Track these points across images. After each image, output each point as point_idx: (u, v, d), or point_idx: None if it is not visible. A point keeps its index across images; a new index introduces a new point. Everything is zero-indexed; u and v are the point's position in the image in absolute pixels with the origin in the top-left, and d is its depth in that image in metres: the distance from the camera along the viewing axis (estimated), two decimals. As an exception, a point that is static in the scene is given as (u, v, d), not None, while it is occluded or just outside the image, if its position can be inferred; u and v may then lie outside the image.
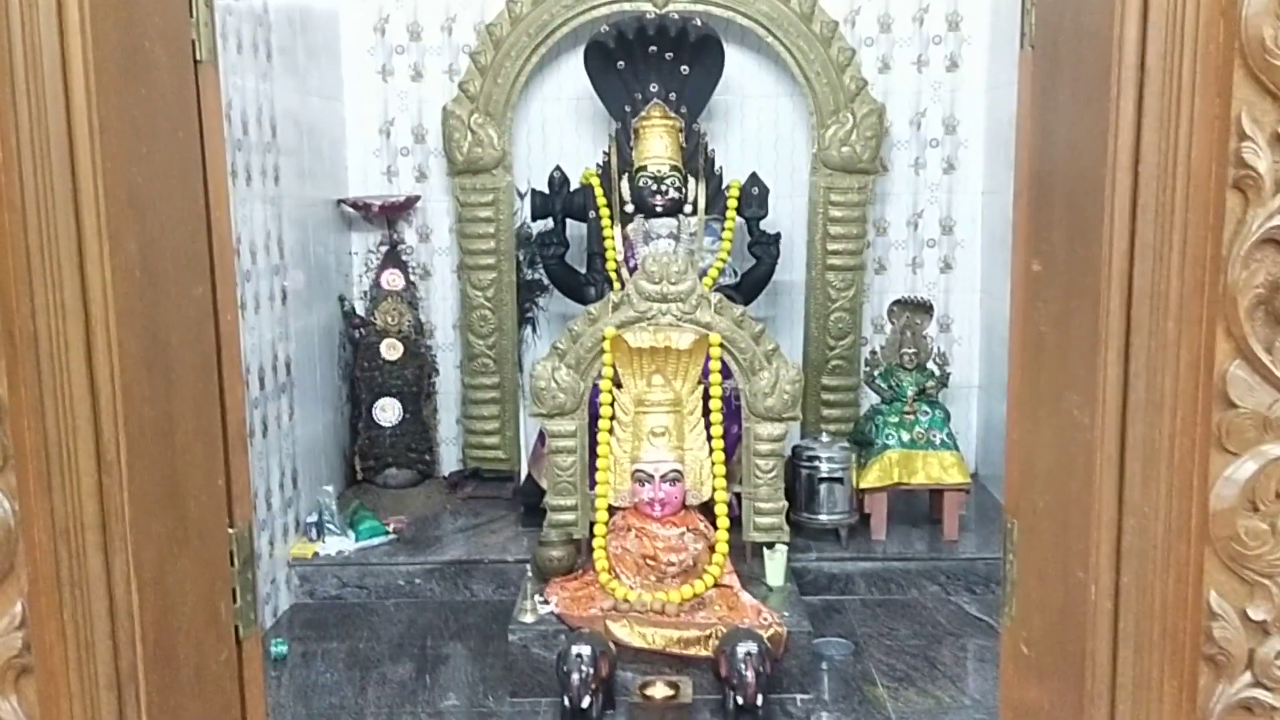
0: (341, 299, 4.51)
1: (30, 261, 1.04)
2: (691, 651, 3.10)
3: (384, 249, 4.55)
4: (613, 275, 4.03)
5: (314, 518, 3.93)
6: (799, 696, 3.14)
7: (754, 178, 4.12)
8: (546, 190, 4.14)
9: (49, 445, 1.06)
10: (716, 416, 3.43)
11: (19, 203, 1.03)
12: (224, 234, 1.32)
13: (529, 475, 4.22)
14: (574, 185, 4.17)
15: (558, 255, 4.13)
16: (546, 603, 3.27)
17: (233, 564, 1.33)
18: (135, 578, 1.10)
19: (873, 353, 4.16)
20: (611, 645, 3.07)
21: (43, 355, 1.05)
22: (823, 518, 3.90)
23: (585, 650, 2.92)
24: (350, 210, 4.54)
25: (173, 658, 1.18)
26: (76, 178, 1.04)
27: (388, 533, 4.01)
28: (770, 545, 3.49)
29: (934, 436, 3.93)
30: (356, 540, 3.93)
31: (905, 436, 3.93)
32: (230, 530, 1.33)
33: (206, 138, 1.28)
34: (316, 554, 3.86)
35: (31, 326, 1.04)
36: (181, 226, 1.23)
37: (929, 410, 3.97)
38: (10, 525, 1.07)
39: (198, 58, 1.26)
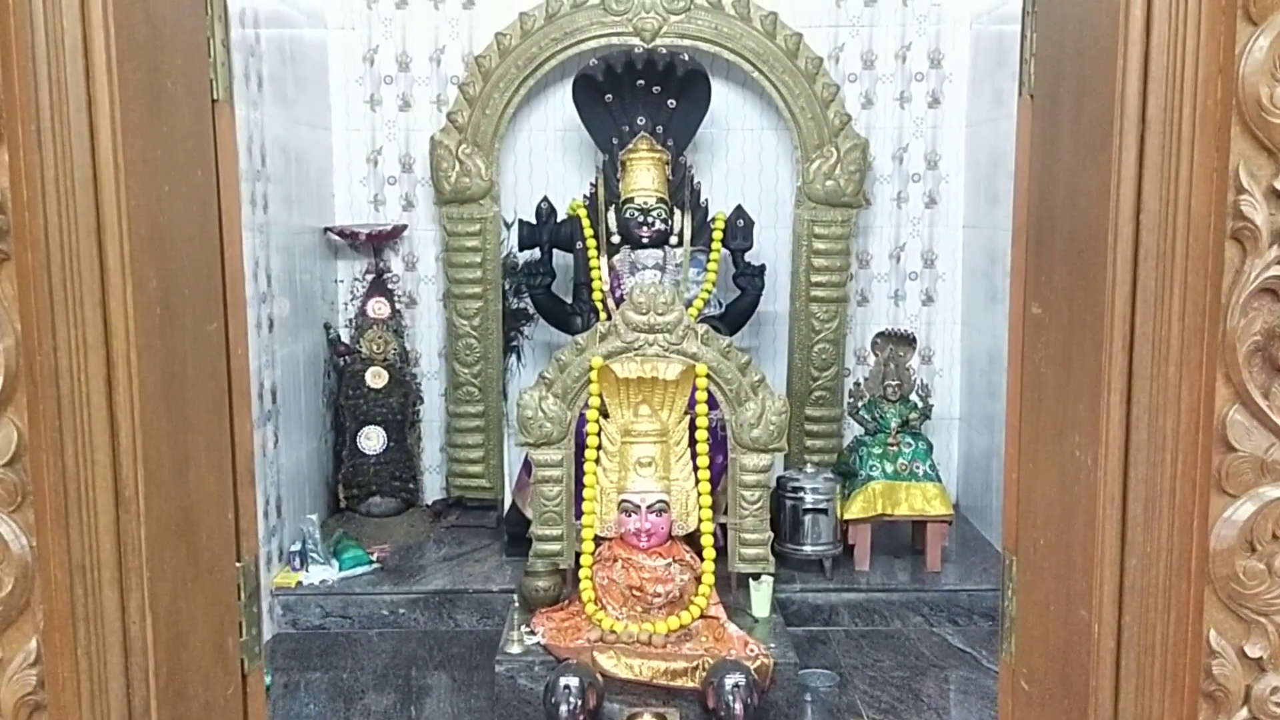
0: (327, 326, 4.51)
1: (53, 298, 1.05)
2: (679, 683, 3.11)
3: (370, 277, 4.56)
4: (599, 305, 4.05)
5: (297, 546, 3.91)
6: (785, 728, 3.15)
7: (739, 210, 4.16)
8: (534, 221, 4.16)
9: (67, 481, 1.07)
10: (703, 447, 3.45)
11: (43, 240, 1.04)
12: (236, 270, 1.33)
13: (513, 504, 4.22)
14: (561, 216, 4.19)
15: (544, 285, 4.15)
16: (533, 633, 3.27)
17: (239, 597, 1.34)
18: (149, 613, 1.11)
19: (856, 384, 4.20)
20: (599, 676, 3.06)
21: (63, 391, 1.06)
22: (807, 549, 3.92)
23: (573, 681, 2.92)
24: (337, 238, 4.54)
25: (183, 693, 1.19)
26: (101, 215, 1.05)
27: (371, 562, 3.99)
28: (756, 576, 3.50)
29: (917, 468, 3.96)
30: (340, 569, 3.92)
31: (889, 468, 3.96)
32: (238, 564, 1.33)
33: (222, 175, 1.30)
34: (300, 583, 3.84)
35: (53, 362, 1.05)
36: (199, 262, 1.24)
37: (912, 442, 4.00)
38: (28, 562, 1.07)
39: (215, 96, 1.28)
